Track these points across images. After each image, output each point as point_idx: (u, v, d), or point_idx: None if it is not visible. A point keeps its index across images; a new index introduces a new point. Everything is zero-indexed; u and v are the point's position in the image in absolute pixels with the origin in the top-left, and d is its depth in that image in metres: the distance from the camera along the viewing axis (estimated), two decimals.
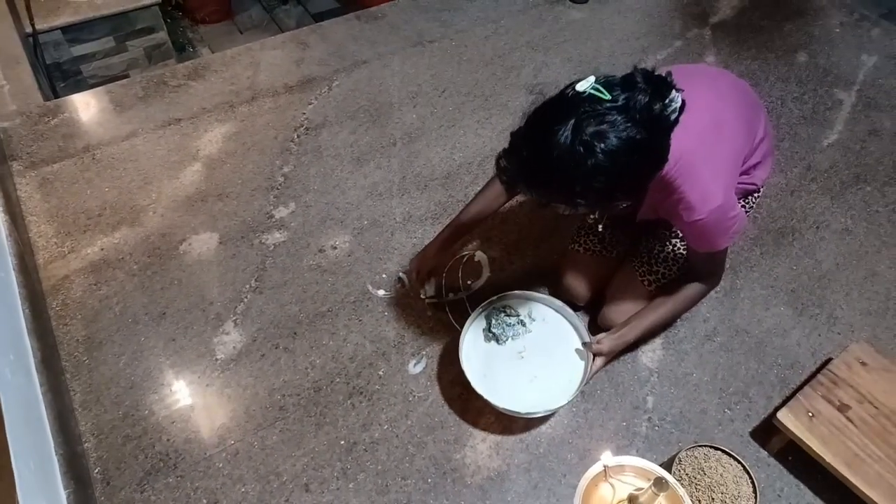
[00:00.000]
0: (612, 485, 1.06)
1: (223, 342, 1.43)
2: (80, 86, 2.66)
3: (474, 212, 1.36)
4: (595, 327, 1.42)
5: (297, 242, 1.63)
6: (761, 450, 1.27)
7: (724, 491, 1.13)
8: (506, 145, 0.98)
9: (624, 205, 1.00)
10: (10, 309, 1.30)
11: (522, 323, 1.35)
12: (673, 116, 0.92)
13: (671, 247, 1.35)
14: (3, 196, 1.59)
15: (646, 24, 2.40)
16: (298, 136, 1.92)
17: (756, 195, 1.40)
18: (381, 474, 1.23)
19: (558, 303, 1.37)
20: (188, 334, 1.44)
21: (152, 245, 1.61)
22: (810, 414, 1.19)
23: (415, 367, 1.38)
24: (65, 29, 2.53)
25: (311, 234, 1.65)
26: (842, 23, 2.40)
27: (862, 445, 1.15)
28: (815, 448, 1.15)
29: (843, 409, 1.20)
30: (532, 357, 1.31)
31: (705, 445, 1.20)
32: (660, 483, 0.93)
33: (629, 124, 0.88)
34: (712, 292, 1.35)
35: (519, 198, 1.58)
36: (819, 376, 1.25)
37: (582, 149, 0.88)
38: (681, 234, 1.34)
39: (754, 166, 1.29)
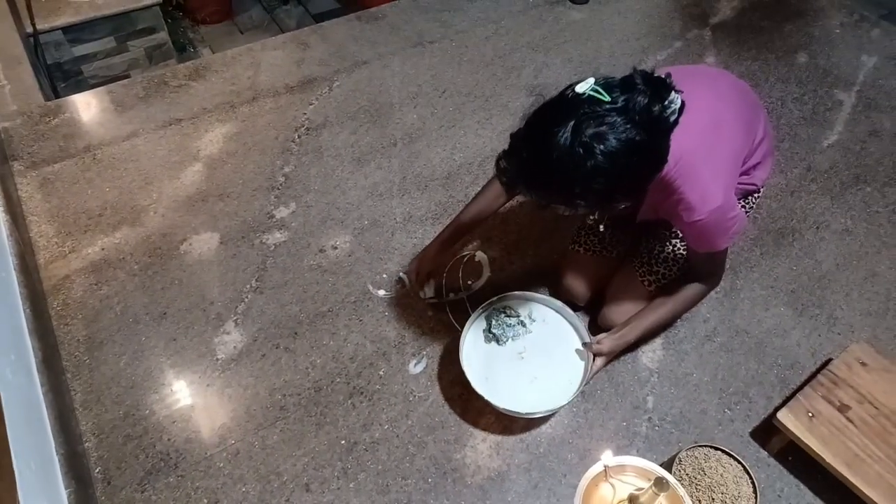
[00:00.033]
0: (612, 485, 1.06)
1: (224, 342, 1.43)
2: (81, 86, 2.66)
3: (474, 212, 1.36)
4: (595, 327, 1.42)
5: (298, 242, 1.63)
6: (761, 450, 1.27)
7: (725, 491, 1.13)
8: (506, 146, 0.98)
9: (624, 205, 1.01)
10: (11, 309, 1.30)
11: (523, 323, 1.36)
12: (672, 118, 0.92)
13: (671, 247, 1.35)
14: (4, 196, 1.59)
15: (646, 24, 2.40)
16: (299, 137, 1.92)
17: (756, 195, 1.40)
18: (381, 474, 1.23)
19: (558, 303, 1.37)
20: (189, 334, 1.44)
21: (153, 245, 1.61)
22: (810, 414, 1.19)
23: (415, 367, 1.39)
24: (66, 29, 2.54)
25: (312, 234, 1.65)
26: (842, 23, 2.40)
27: (862, 446, 1.15)
28: (815, 448, 1.15)
29: (843, 409, 1.20)
30: (532, 357, 1.31)
31: (705, 445, 1.20)
32: (660, 483, 0.94)
33: (628, 126, 0.88)
34: (712, 293, 1.35)
35: (519, 198, 1.58)
36: (819, 376, 1.25)
37: (581, 150, 0.88)
38: (681, 235, 1.34)
39: (754, 167, 1.29)
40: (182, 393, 1.34)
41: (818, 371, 1.28)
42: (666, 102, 0.90)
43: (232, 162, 1.84)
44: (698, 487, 1.15)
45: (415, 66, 2.20)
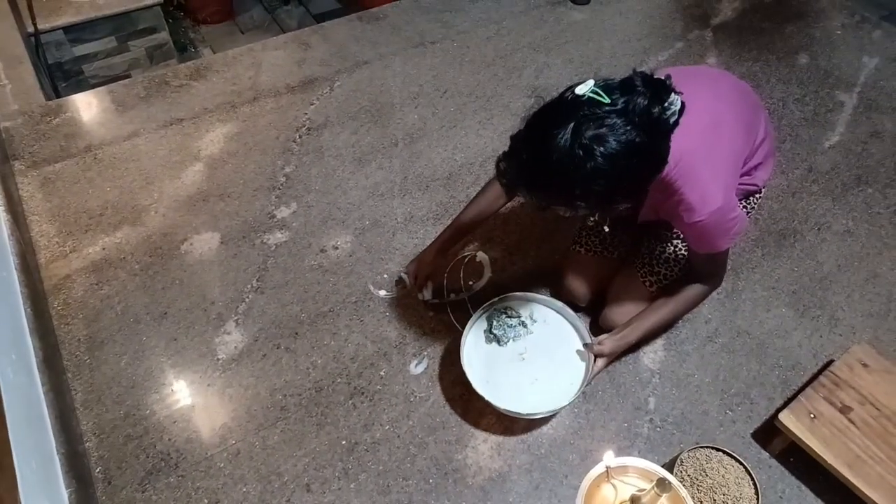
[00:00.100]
0: (614, 486, 1.06)
1: (224, 342, 1.43)
2: (82, 86, 2.66)
3: (474, 213, 1.36)
4: (596, 328, 1.42)
5: (299, 242, 1.63)
6: (763, 451, 1.27)
7: (726, 492, 1.13)
8: (507, 147, 0.98)
9: (624, 207, 1.00)
10: (12, 308, 1.30)
11: (524, 324, 1.35)
12: (672, 119, 0.92)
13: (672, 248, 1.35)
14: (5, 195, 1.59)
15: (647, 25, 2.40)
16: (300, 137, 1.92)
17: (757, 196, 1.40)
18: (382, 475, 1.23)
19: (559, 304, 1.37)
20: (190, 334, 1.44)
21: (154, 245, 1.61)
22: (812, 415, 1.19)
23: (416, 368, 1.38)
24: (67, 29, 2.54)
25: (313, 234, 1.65)
26: (843, 25, 2.40)
27: (863, 447, 1.15)
28: (816, 449, 1.15)
29: (844, 410, 1.20)
30: (533, 358, 1.31)
31: (707, 447, 1.20)
32: (663, 484, 0.93)
33: (628, 128, 0.88)
34: (714, 293, 1.35)
35: (520, 199, 1.58)
36: (821, 378, 1.25)
37: (581, 152, 0.88)
38: (682, 235, 1.34)
39: (755, 167, 1.29)
40: (183, 393, 1.34)
41: (820, 372, 1.28)
42: (666, 104, 0.90)
43: (233, 162, 1.84)
44: (700, 488, 1.15)
45: (416, 66, 2.20)
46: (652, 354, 1.41)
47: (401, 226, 1.67)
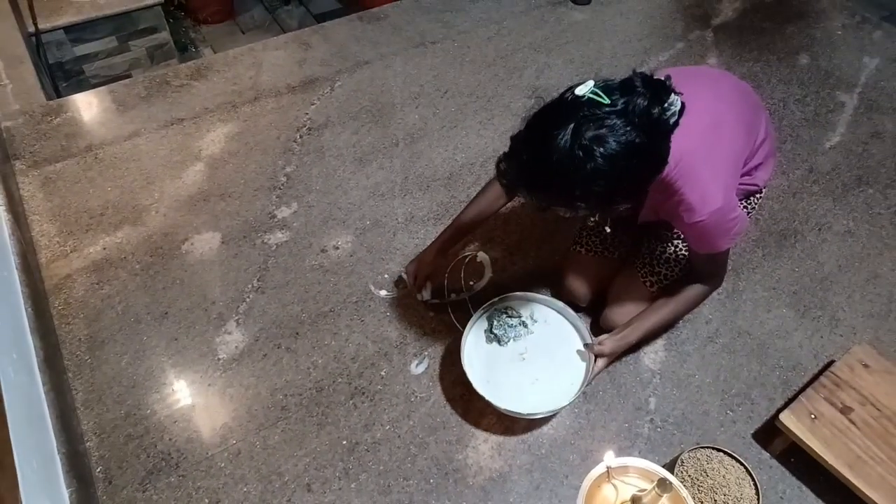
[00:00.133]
0: (615, 486, 1.06)
1: (225, 342, 1.43)
2: (83, 85, 2.67)
3: (474, 213, 1.36)
4: (597, 328, 1.42)
5: (300, 242, 1.63)
6: (763, 451, 1.27)
7: (727, 493, 1.13)
8: (507, 147, 0.98)
9: (624, 207, 1.01)
10: (13, 308, 1.30)
11: (524, 324, 1.35)
12: (672, 120, 0.92)
13: (673, 248, 1.35)
14: (6, 195, 1.60)
15: (648, 25, 2.40)
16: (301, 137, 1.92)
17: (758, 196, 1.40)
18: (383, 475, 1.23)
19: (560, 304, 1.37)
20: (190, 334, 1.44)
21: (154, 244, 1.61)
22: (812, 416, 1.19)
23: (417, 368, 1.39)
24: (67, 28, 2.54)
25: (314, 234, 1.65)
26: (843, 25, 2.40)
27: (864, 447, 1.15)
28: (817, 450, 1.15)
29: (845, 411, 1.20)
30: (534, 358, 1.31)
31: (707, 447, 1.20)
32: (663, 484, 0.93)
33: (628, 128, 0.88)
34: (714, 294, 1.35)
35: (520, 199, 1.58)
36: (821, 378, 1.25)
37: (581, 153, 0.88)
38: (683, 235, 1.34)
39: (756, 167, 1.29)
40: (183, 393, 1.34)
41: (820, 373, 1.28)
42: (665, 105, 0.90)
43: (234, 162, 1.84)
44: (700, 489, 1.15)
45: (417, 66, 2.20)
46: (652, 355, 1.41)
47: (401, 226, 1.67)
